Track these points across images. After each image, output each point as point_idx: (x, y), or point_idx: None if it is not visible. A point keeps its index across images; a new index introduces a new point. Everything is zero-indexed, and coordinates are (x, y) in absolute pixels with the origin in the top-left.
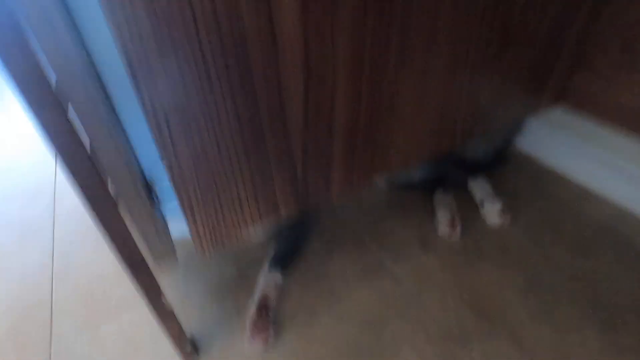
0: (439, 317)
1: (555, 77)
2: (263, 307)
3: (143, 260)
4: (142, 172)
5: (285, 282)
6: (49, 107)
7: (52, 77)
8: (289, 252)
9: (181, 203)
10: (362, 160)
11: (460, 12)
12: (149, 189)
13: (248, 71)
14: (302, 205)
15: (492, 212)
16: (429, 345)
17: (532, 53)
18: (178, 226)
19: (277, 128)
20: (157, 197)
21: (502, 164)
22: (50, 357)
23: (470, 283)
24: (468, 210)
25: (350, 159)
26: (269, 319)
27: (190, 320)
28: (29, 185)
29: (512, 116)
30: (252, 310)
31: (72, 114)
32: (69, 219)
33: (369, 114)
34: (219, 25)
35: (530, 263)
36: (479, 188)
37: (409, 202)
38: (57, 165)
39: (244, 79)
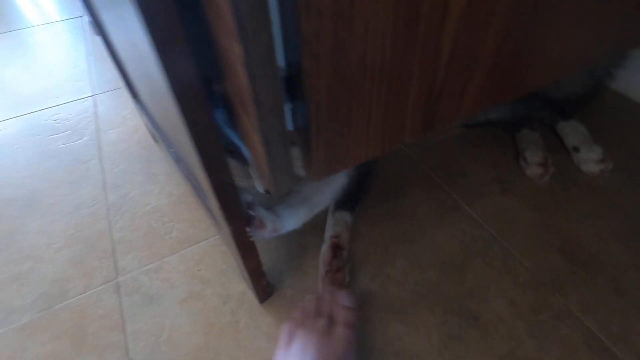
0: (526, 262)
1: None
2: (335, 246)
3: (236, 190)
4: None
5: (354, 222)
6: None
7: None
8: (355, 191)
9: (309, 115)
10: (503, 75)
11: None
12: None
13: None
14: (426, 130)
15: (590, 160)
16: (519, 292)
17: None
18: None
19: (435, 11)
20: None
21: (591, 102)
22: (119, 289)
23: (558, 227)
24: (554, 152)
25: (491, 73)
26: (342, 259)
27: None
28: (69, 117)
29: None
30: (324, 249)
31: None
32: (115, 152)
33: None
34: None
35: (628, 208)
36: (572, 131)
37: (482, 141)
38: (95, 97)
39: None
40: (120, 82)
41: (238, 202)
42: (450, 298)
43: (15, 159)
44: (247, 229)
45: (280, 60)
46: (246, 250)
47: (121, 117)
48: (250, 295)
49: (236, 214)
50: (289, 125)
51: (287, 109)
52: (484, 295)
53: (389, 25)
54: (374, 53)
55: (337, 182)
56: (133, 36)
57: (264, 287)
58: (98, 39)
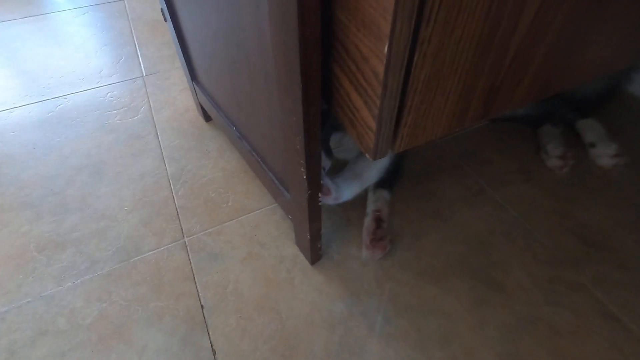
0: (545, 242)
1: None
2: (378, 219)
3: (320, 161)
4: None
5: (391, 200)
6: None
7: None
8: (394, 171)
9: (407, 97)
10: (549, 74)
11: None
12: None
13: None
14: (484, 116)
15: (605, 155)
16: (538, 267)
17: None
18: None
19: (510, 23)
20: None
21: (608, 102)
22: (186, 246)
23: (575, 213)
24: (572, 147)
25: (540, 72)
26: (384, 230)
27: None
28: (122, 95)
29: None
30: (367, 221)
31: None
32: (169, 129)
33: (577, 16)
34: None
35: (638, 201)
36: (589, 128)
37: (506, 134)
38: (145, 77)
39: None
40: (167, 66)
41: (320, 172)
42: (477, 269)
43: (78, 131)
44: (320, 195)
45: None
46: (314, 213)
47: (172, 98)
48: (302, 258)
49: (317, 179)
50: None
51: None
52: (507, 268)
53: (477, 33)
54: (461, 53)
55: (382, 163)
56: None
57: (317, 250)
58: (138, 25)
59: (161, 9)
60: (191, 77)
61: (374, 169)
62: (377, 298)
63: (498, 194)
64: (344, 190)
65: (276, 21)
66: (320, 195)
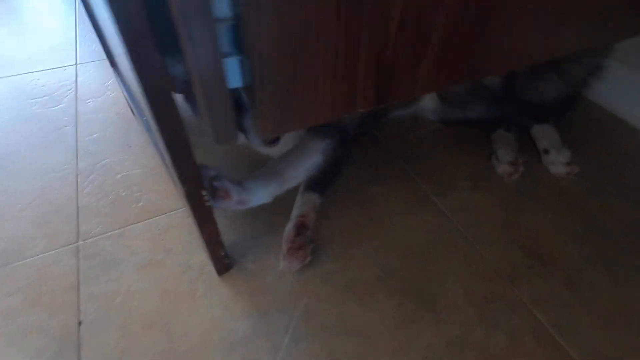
0: (487, 254)
1: None
2: (300, 226)
3: (190, 147)
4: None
5: (324, 204)
6: None
7: None
8: (328, 173)
9: (252, 65)
10: (460, 53)
11: None
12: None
13: None
14: (380, 101)
15: (558, 162)
16: (476, 282)
17: None
18: None
19: None
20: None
21: (569, 111)
22: (78, 252)
23: (522, 224)
24: (527, 154)
25: (447, 48)
26: (306, 237)
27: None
28: (47, 84)
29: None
30: (288, 228)
31: None
32: (91, 120)
33: None
34: None
35: (589, 211)
36: (544, 135)
37: (458, 139)
38: (78, 66)
39: None
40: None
41: (192, 162)
42: (409, 283)
43: None
44: (203, 192)
45: (225, 9)
46: (201, 215)
47: (103, 88)
48: (211, 268)
49: (190, 174)
50: (239, 81)
51: (235, 61)
52: (441, 283)
53: None
54: (314, 15)
55: (311, 159)
56: None
57: (222, 259)
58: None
59: None
60: (110, 62)
61: (300, 168)
62: (289, 315)
63: (442, 202)
64: (255, 193)
65: None
66: (217, 199)
